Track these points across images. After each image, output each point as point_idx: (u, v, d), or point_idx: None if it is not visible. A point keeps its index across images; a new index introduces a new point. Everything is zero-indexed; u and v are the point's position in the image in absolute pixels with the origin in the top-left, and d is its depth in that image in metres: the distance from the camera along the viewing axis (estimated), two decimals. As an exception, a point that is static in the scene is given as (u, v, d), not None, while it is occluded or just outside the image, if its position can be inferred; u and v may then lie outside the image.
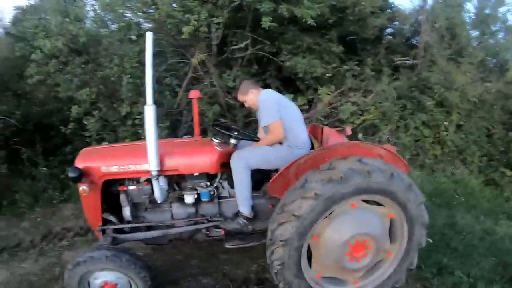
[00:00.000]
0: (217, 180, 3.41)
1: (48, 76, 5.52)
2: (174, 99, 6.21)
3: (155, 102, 6.14)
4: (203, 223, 3.36)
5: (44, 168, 5.62)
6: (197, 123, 3.85)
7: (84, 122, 5.55)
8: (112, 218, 3.35)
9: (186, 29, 5.16)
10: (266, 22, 5.18)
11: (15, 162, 5.75)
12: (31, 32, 5.63)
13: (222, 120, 6.38)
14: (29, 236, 4.74)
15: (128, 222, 3.37)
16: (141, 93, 5.56)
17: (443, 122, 6.69)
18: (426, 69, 7.14)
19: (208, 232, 3.46)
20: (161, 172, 3.10)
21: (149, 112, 2.88)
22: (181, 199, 3.39)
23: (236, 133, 3.53)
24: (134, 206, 3.40)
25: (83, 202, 3.25)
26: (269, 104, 3.20)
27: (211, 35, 5.95)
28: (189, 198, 3.34)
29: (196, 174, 3.29)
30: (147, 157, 2.95)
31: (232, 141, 3.50)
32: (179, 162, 3.21)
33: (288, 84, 7.05)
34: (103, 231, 3.28)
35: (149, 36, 2.75)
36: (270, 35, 6.36)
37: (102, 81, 5.81)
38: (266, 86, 6.50)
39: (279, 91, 6.38)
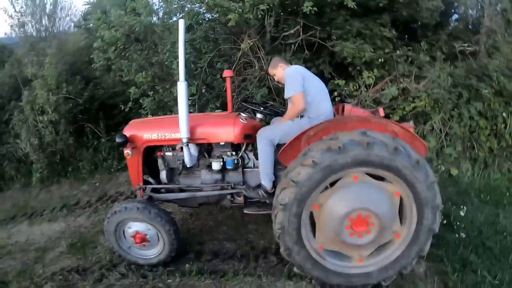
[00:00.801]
0: (242, 150, 3.68)
1: (110, 62, 6.19)
2: (225, 83, 6.54)
3: (207, 85, 6.51)
4: (228, 189, 3.65)
5: (104, 140, 6.37)
6: (230, 99, 4.13)
7: (141, 102, 6.14)
8: (151, 180, 3.84)
9: (232, 16, 5.43)
10: (307, 7, 5.25)
11: (81, 136, 6.61)
12: (95, 24, 6.34)
13: (270, 102, 6.60)
14: (87, 197, 5.48)
15: (165, 184, 3.81)
16: (192, 76, 6.01)
17: (501, 113, 6.16)
18: (487, 56, 6.63)
19: (232, 199, 3.74)
20: (191, 140, 3.48)
21: (181, 88, 3.25)
22: (209, 166, 3.71)
23: (261, 109, 3.81)
24: (170, 171, 3.82)
25: (128, 164, 3.78)
26: (293, 77, 3.35)
27: (263, 21, 6.14)
28: (215, 165, 3.64)
29: (222, 143, 3.60)
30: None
31: (259, 116, 3.79)
32: (207, 132, 3.56)
33: (341, 70, 7.01)
34: (143, 190, 3.75)
35: (181, 23, 3.13)
36: (321, 21, 6.36)
37: (159, 66, 6.37)
38: (319, 71, 6.51)
39: (331, 77, 6.47)
